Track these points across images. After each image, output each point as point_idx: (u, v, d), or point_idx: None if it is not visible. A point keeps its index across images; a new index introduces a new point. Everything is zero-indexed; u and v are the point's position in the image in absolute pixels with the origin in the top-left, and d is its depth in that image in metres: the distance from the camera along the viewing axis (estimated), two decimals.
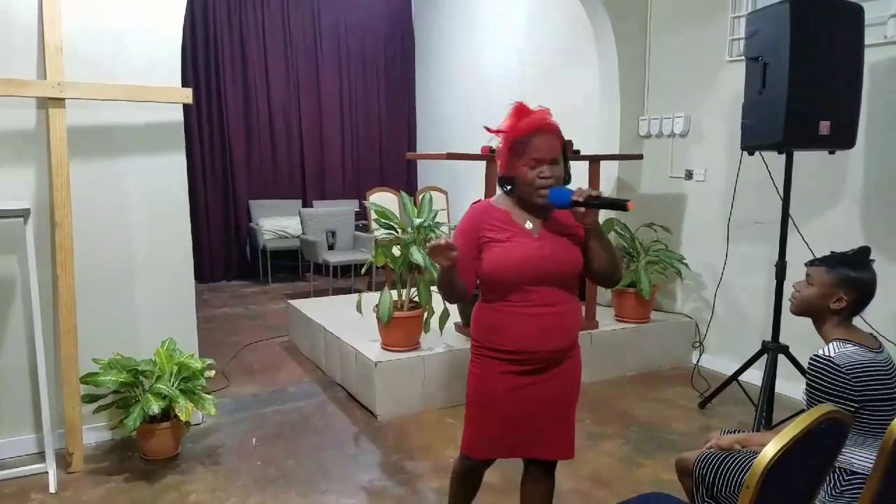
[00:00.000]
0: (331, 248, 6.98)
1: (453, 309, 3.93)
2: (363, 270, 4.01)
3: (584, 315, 4.31)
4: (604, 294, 4.72)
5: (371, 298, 3.94)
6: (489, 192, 3.86)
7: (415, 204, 3.93)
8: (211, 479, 2.93)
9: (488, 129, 1.94)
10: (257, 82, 7.61)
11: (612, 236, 4.64)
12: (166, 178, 3.37)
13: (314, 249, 6.70)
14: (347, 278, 7.15)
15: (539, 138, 1.79)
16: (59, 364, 3.08)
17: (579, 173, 4.29)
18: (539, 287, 1.85)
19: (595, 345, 4.22)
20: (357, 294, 3.96)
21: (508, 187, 1.90)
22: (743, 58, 3.43)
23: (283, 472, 3.00)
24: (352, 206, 7.83)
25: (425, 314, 3.74)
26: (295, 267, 7.78)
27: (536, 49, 6.12)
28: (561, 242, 1.87)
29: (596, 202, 1.76)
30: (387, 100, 8.45)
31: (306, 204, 7.94)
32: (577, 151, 4.10)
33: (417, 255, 3.53)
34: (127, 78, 3.17)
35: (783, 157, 3.33)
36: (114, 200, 3.25)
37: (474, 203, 2.03)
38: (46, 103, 2.98)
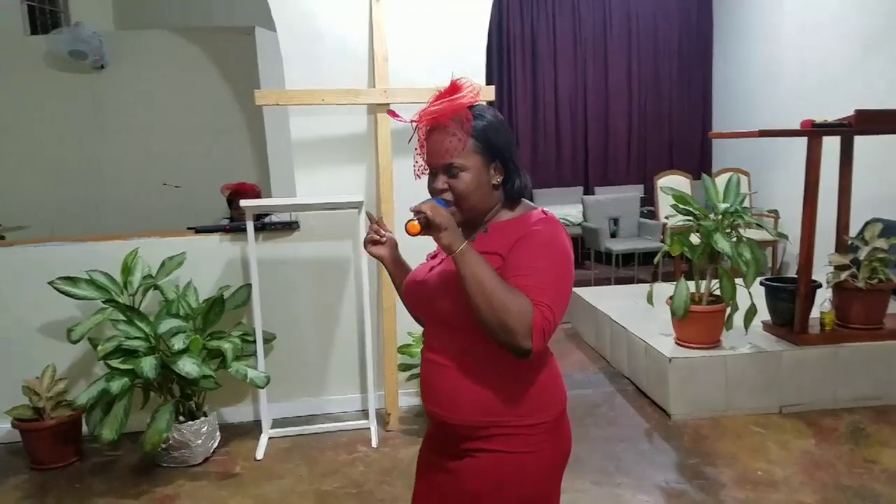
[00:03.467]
0: (613, 235, 6.98)
1: (762, 305, 3.68)
2: (656, 260, 3.96)
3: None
4: None
5: (661, 289, 3.87)
6: (811, 174, 3.51)
7: None
8: None
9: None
10: (545, 74, 7.88)
11: None
12: None
13: (596, 237, 6.76)
14: (630, 267, 7.08)
15: (433, 137, 1.36)
16: (381, 336, 3.63)
17: None
18: (430, 323, 1.46)
19: None
20: (643, 284, 3.92)
21: None
22: None
23: (575, 458, 3.09)
24: (636, 191, 7.72)
25: (728, 309, 3.57)
26: (575, 255, 7.94)
27: (862, 4, 5.33)
28: (448, 271, 1.35)
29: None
30: (679, 77, 8.10)
31: (588, 191, 8.04)
32: None
33: (723, 244, 3.38)
34: (439, 81, 3.55)
35: None
36: (423, 195, 3.68)
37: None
38: (375, 109, 3.49)
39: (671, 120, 8.17)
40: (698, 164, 8.07)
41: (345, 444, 3.33)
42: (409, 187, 3.59)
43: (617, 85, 8.04)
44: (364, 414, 3.65)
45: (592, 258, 7.17)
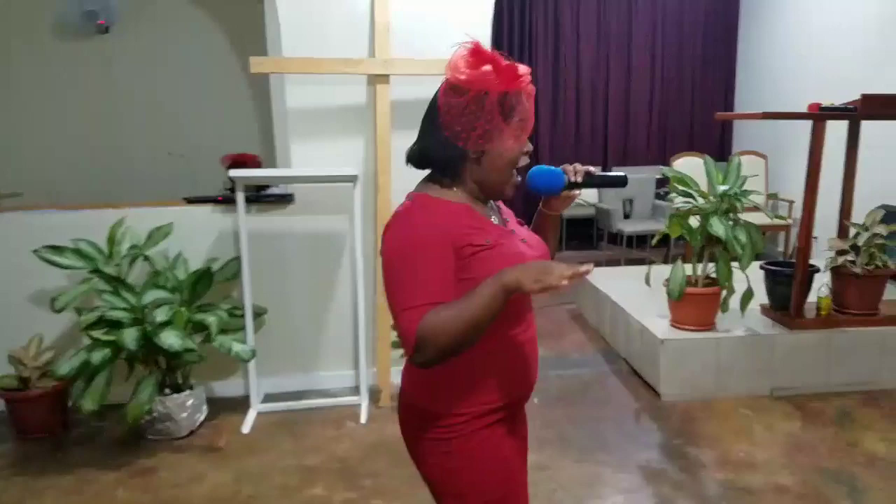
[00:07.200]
0: (627, 216, 6.97)
1: (759, 289, 3.67)
2: (654, 241, 3.96)
3: None
4: None
5: (663, 271, 3.88)
6: (814, 158, 3.49)
7: None
8: None
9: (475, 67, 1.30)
10: (567, 51, 7.81)
11: None
12: None
13: (609, 218, 6.75)
14: (643, 249, 7.07)
15: (528, 100, 1.34)
16: (374, 311, 3.69)
17: None
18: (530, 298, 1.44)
19: None
20: (654, 266, 3.93)
21: (446, 170, 1.38)
22: None
23: (560, 436, 3.20)
24: (653, 172, 7.66)
25: (724, 292, 3.57)
26: (590, 235, 7.94)
27: None
28: (532, 236, 1.50)
29: (595, 181, 1.44)
30: (703, 57, 7.97)
31: (605, 170, 8.00)
32: None
33: (718, 227, 3.38)
34: (442, 54, 3.54)
35: None
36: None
37: (413, 200, 1.37)
38: (374, 80, 3.51)
39: (693, 100, 8.07)
40: (719, 146, 7.97)
41: (334, 420, 3.41)
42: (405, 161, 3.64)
43: (640, 63, 7.94)
44: (356, 390, 3.71)
45: (606, 239, 7.16)
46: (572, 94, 7.92)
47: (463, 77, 1.28)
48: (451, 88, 1.31)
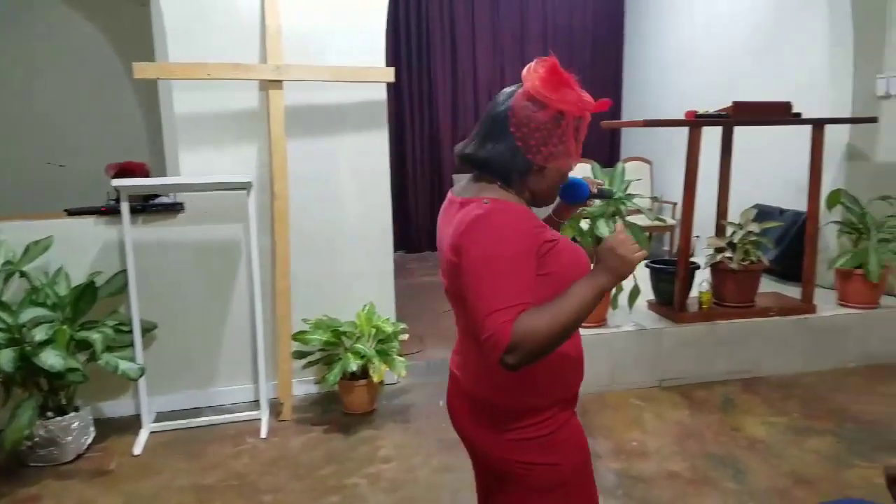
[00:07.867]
0: None
1: (645, 285, 3.87)
2: None
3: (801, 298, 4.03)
4: (825, 276, 4.36)
5: None
6: (691, 162, 3.72)
7: None
8: (400, 437, 3.26)
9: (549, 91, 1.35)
10: (464, 59, 7.93)
11: (838, 210, 4.24)
12: (371, 153, 3.73)
13: None
14: None
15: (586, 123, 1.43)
16: (274, 322, 3.60)
17: (800, 138, 3.96)
18: None
19: (811, 331, 3.96)
20: None
21: (508, 176, 1.40)
22: None
23: (458, 439, 3.22)
24: None
25: (613, 290, 3.73)
26: None
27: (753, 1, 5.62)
28: None
29: (602, 193, 1.65)
30: (592, 67, 8.33)
31: None
32: (799, 114, 3.78)
33: (604, 229, 3.53)
34: (336, 60, 3.54)
35: None
36: (325, 174, 3.68)
37: (491, 204, 1.33)
38: (267, 85, 3.43)
39: None
40: (609, 152, 8.34)
41: (232, 436, 3.30)
42: (303, 165, 3.58)
43: None
44: (256, 404, 3.60)
45: None
46: (471, 99, 8.05)
47: (551, 96, 1.33)
48: (530, 101, 1.34)
